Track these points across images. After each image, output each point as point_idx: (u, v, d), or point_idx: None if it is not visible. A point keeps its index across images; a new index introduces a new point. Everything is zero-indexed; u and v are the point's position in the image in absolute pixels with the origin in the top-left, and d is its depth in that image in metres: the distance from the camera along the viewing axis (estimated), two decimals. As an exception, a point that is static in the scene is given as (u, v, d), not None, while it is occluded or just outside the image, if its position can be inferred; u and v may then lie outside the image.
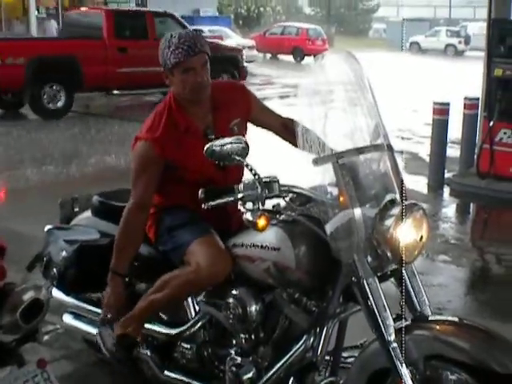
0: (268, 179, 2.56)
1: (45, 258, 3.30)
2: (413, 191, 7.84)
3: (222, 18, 35.81)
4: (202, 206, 2.54)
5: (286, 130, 3.10)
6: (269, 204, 2.64)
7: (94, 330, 3.51)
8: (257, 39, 29.51)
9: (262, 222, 2.51)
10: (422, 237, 2.53)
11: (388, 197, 2.53)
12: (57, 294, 3.54)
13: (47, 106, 12.88)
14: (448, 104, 8.24)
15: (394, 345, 2.44)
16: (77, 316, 3.64)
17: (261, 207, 2.54)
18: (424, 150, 9.73)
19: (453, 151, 8.99)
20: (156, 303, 2.99)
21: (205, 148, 2.57)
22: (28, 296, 2.65)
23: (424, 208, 2.55)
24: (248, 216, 2.52)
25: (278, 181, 2.58)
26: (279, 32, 33.54)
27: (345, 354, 2.95)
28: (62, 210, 3.75)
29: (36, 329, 2.73)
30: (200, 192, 2.56)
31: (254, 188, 2.53)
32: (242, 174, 3.01)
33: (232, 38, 26.23)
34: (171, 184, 3.02)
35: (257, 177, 2.53)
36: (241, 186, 2.55)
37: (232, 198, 2.56)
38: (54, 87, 12.87)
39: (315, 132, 2.55)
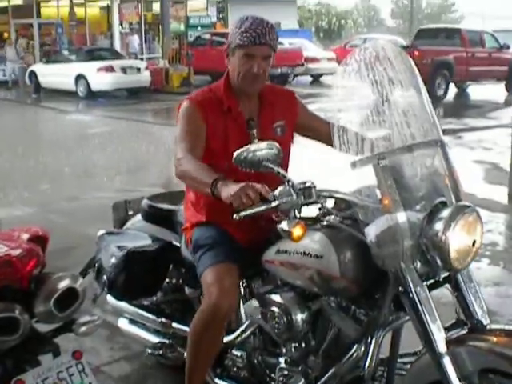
0: (303, 185, 2.41)
1: (96, 264, 3.29)
2: (492, 201, 7.71)
3: (302, 30, 35.84)
4: (234, 216, 2.38)
5: None
6: (307, 211, 2.51)
7: (148, 336, 3.51)
8: (337, 51, 29.22)
9: (297, 231, 2.36)
10: (474, 241, 2.37)
11: (439, 199, 2.39)
12: (110, 299, 3.54)
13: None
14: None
15: (446, 357, 2.29)
16: (132, 321, 3.63)
17: (297, 215, 2.39)
18: (506, 160, 9.42)
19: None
20: (191, 366, 2.95)
21: (234, 155, 2.45)
22: (63, 284, 2.62)
23: (478, 210, 2.38)
24: (283, 225, 2.37)
25: (314, 186, 2.43)
26: (360, 44, 33.09)
27: (405, 360, 2.77)
28: (114, 212, 3.74)
29: (72, 319, 2.70)
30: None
31: (289, 195, 2.38)
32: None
33: (311, 51, 26.13)
34: (204, 198, 2.95)
35: (290, 183, 2.40)
36: (275, 193, 2.40)
37: (265, 207, 2.39)
38: (438, 80, 18.74)
39: (353, 131, 2.43)
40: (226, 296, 2.76)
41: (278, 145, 2.50)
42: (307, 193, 2.41)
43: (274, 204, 2.39)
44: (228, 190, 2.41)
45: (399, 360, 2.75)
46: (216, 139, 2.89)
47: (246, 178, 2.56)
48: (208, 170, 2.62)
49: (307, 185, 2.42)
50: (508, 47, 21.42)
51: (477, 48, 20.15)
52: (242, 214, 2.37)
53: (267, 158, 2.45)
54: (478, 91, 21.10)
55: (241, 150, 2.45)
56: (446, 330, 2.39)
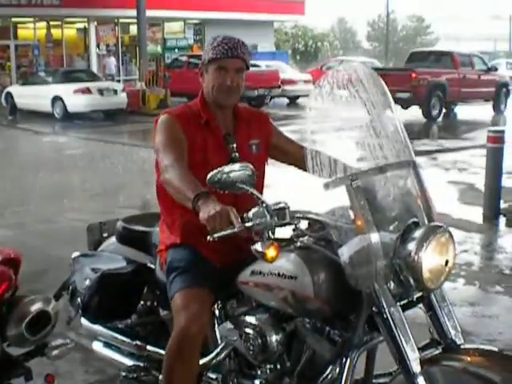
0: (277, 206, 2.43)
1: (70, 287, 3.26)
2: (467, 221, 7.81)
3: (279, 53, 36.08)
4: (208, 238, 2.37)
5: None
6: (282, 232, 2.52)
7: (122, 359, 3.46)
8: (313, 73, 29.44)
9: (271, 252, 2.36)
10: (447, 261, 2.38)
11: (411, 219, 2.41)
12: (84, 322, 3.50)
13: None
14: (503, 132, 8.03)
15: (420, 377, 2.29)
16: (106, 344, 3.59)
17: (271, 236, 2.41)
18: (480, 181, 9.52)
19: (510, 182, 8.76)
20: None
21: (208, 176, 2.46)
22: (35, 307, 2.60)
23: (450, 231, 2.40)
24: (257, 246, 2.38)
25: (288, 207, 2.45)
26: (336, 66, 33.39)
27: (380, 380, 2.77)
28: (89, 234, 3.70)
29: (44, 343, 2.67)
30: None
31: (263, 216, 2.40)
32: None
33: (288, 73, 26.29)
34: (179, 220, 2.95)
35: (264, 205, 2.41)
36: (249, 214, 2.41)
37: (239, 229, 2.38)
38: (433, 100, 19.43)
39: (326, 153, 2.44)
40: (194, 322, 2.73)
41: (251, 166, 2.50)
42: (281, 214, 2.43)
43: (247, 225, 2.39)
44: (204, 211, 2.39)
45: (374, 381, 2.76)
46: (196, 152, 2.89)
47: (222, 197, 2.55)
48: (193, 182, 2.59)
49: (281, 206, 2.44)
50: (496, 69, 22.41)
51: (467, 70, 20.95)
52: (216, 235, 2.36)
53: (241, 179, 2.45)
54: (466, 111, 21.78)
55: (215, 171, 2.45)
56: (420, 350, 2.39)
